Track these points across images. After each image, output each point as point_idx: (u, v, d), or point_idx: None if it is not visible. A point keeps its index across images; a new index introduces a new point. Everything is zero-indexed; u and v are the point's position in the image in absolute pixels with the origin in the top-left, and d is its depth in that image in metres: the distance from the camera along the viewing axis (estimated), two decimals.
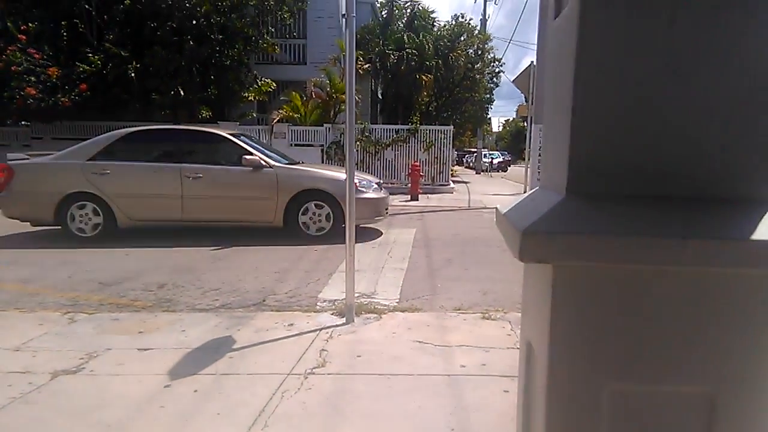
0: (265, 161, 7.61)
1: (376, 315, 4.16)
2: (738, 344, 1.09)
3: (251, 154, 7.62)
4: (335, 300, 4.60)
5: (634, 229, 1.07)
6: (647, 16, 1.10)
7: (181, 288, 5.06)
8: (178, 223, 7.65)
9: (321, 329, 3.79)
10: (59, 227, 7.44)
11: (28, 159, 7.73)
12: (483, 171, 31.45)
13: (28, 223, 7.72)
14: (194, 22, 15.04)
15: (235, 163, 7.56)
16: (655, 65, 1.12)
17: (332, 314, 4.16)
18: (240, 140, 7.87)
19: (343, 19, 3.98)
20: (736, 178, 1.13)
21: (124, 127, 8.49)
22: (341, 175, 7.33)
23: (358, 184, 6.88)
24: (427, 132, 16.45)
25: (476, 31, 26.81)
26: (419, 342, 3.55)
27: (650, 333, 1.11)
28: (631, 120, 1.13)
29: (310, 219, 7.54)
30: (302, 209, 7.52)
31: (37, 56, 14.22)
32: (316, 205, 7.51)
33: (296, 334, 3.67)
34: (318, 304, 4.55)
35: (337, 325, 3.88)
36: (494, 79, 31.64)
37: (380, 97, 24.96)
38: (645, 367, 1.12)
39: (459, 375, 3.04)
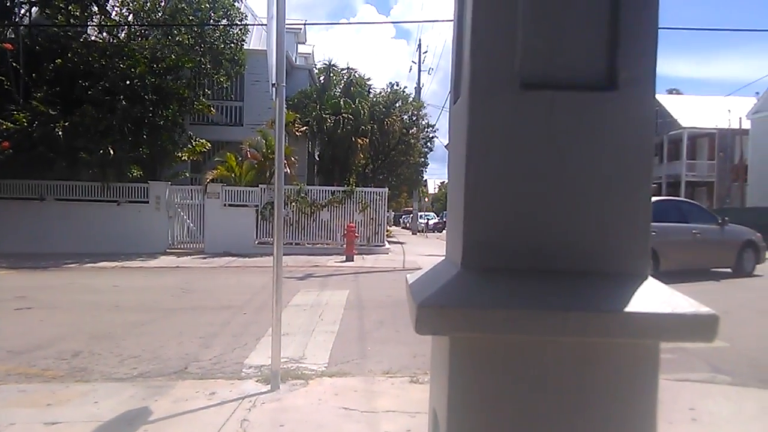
0: (723, 220, 11.52)
1: (303, 381, 4.09)
2: (618, 410, 1.17)
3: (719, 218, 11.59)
4: (262, 366, 4.49)
5: (520, 302, 1.14)
6: (529, 104, 1.21)
7: (97, 356, 4.81)
8: None
9: (244, 398, 3.68)
10: None
11: None
12: (419, 232, 31.97)
13: None
14: (128, 82, 14.92)
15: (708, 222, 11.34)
16: (538, 149, 1.22)
17: (257, 381, 4.05)
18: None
19: (273, 88, 4.09)
20: (612, 253, 1.23)
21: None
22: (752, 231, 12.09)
23: None
24: (363, 193, 16.69)
25: (411, 98, 27.87)
26: (345, 408, 3.50)
27: (539, 400, 1.17)
28: (517, 199, 1.22)
29: (745, 260, 11.67)
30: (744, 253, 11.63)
31: None
32: (752, 250, 11.84)
33: (217, 404, 3.55)
34: (243, 370, 4.43)
35: (261, 393, 3.78)
36: (428, 144, 32.70)
37: (317, 158, 25.26)
38: None
39: None
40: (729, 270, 11.64)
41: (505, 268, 1.22)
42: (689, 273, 10.83)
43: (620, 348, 1.16)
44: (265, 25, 4.41)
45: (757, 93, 34.34)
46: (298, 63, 27.59)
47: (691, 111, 38.06)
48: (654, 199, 7.61)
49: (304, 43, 31.38)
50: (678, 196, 34.94)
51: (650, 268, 1.25)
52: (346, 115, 21.99)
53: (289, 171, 16.92)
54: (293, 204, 15.92)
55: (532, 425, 1.16)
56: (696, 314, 1.12)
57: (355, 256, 14.12)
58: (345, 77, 25.46)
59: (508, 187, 1.22)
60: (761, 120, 32.15)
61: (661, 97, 42.33)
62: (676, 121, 37.99)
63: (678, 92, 49.38)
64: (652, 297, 1.16)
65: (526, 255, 1.22)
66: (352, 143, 22.23)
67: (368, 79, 26.49)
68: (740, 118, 33.53)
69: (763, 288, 10.53)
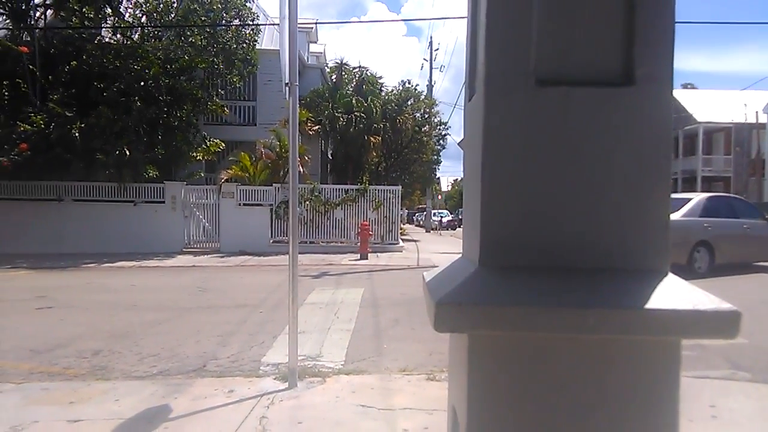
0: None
1: (320, 378, 4.11)
2: (639, 408, 1.17)
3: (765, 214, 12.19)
4: (279, 364, 4.52)
5: (539, 299, 1.14)
6: (545, 101, 1.21)
7: (117, 354, 4.87)
8: None
9: (262, 395, 3.71)
10: None
11: None
12: (432, 229, 31.92)
13: None
14: (142, 83, 15.06)
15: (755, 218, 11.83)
16: (554, 146, 1.22)
17: (275, 379, 4.08)
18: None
19: (287, 87, 4.10)
20: (631, 250, 1.22)
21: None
22: None
23: None
24: (377, 192, 16.69)
25: (423, 96, 27.81)
26: (362, 406, 3.52)
27: (559, 397, 1.17)
28: (534, 197, 1.22)
29: None
30: None
31: None
32: None
33: (236, 401, 3.58)
34: (261, 368, 4.47)
35: (279, 391, 3.81)
36: (441, 141, 32.59)
37: (330, 157, 25.31)
38: None
39: None
40: None
41: (522, 266, 1.22)
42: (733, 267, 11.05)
43: (640, 345, 1.16)
44: (278, 25, 4.43)
45: None
46: (309, 62, 27.65)
47: (706, 106, 37.54)
48: (706, 195, 8.57)
49: (315, 42, 31.44)
50: (695, 191, 34.69)
51: (668, 265, 1.24)
52: (358, 114, 22.00)
53: (302, 170, 16.98)
54: (307, 203, 15.98)
55: (552, 422, 1.16)
56: (717, 311, 1.11)
57: (369, 255, 14.14)
58: (357, 76, 25.47)
59: (525, 185, 1.22)
60: None
61: (676, 92, 41.32)
62: (692, 116, 37.49)
63: (693, 87, 48.76)
64: (673, 293, 1.15)
65: (543, 252, 1.22)
66: (364, 141, 22.24)
67: (380, 78, 26.49)
68: (756, 112, 33.02)
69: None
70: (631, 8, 1.20)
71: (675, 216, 10.62)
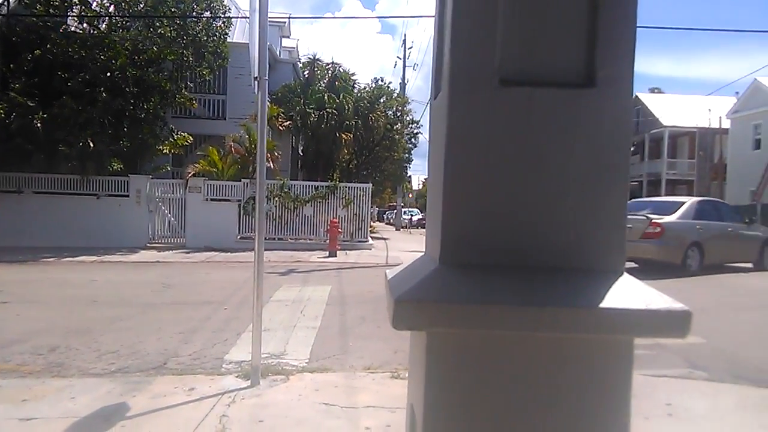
0: (750, 219, 13.45)
1: (283, 376, 4.08)
2: (593, 405, 1.18)
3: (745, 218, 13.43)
4: (242, 362, 4.47)
5: (497, 297, 1.15)
6: (508, 100, 1.21)
7: (74, 351, 4.75)
8: None
9: (224, 393, 3.65)
10: None
11: None
12: (403, 227, 32.02)
13: None
14: (108, 74, 14.70)
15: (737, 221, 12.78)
16: (516, 147, 1.22)
17: (237, 377, 4.03)
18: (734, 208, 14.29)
19: (255, 82, 4.05)
20: (588, 250, 1.24)
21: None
22: None
23: None
24: (347, 189, 16.66)
25: (395, 94, 27.84)
26: (325, 404, 3.50)
27: (515, 395, 1.18)
28: (495, 195, 1.22)
29: (765, 256, 12.88)
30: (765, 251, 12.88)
31: None
32: None
33: (196, 400, 3.52)
34: (223, 366, 4.41)
35: (241, 389, 3.76)
36: (413, 140, 32.67)
37: (301, 153, 25.16)
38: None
39: None
40: (750, 265, 12.96)
41: (482, 264, 1.23)
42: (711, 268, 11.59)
43: (595, 344, 1.17)
44: (248, 17, 4.36)
45: (737, 93, 34.89)
46: (282, 57, 27.42)
47: (672, 110, 38.56)
48: (698, 199, 9.17)
49: (288, 37, 31.20)
50: (659, 194, 35.59)
51: (624, 264, 1.26)
52: (330, 110, 21.91)
53: (272, 166, 16.83)
54: (276, 199, 15.84)
55: (508, 420, 1.17)
56: (669, 310, 1.14)
57: (338, 252, 14.10)
58: (329, 72, 25.34)
59: (487, 184, 1.22)
60: (740, 119, 32.67)
61: (643, 96, 42.83)
62: (658, 120, 38.47)
63: (660, 91, 49.90)
64: (627, 293, 1.17)
65: (504, 251, 1.23)
66: (336, 138, 22.17)
67: (353, 74, 26.41)
68: (720, 118, 34.02)
69: (740, 286, 10.72)
70: (594, 11, 1.21)
71: (671, 218, 11.45)
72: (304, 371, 4.25)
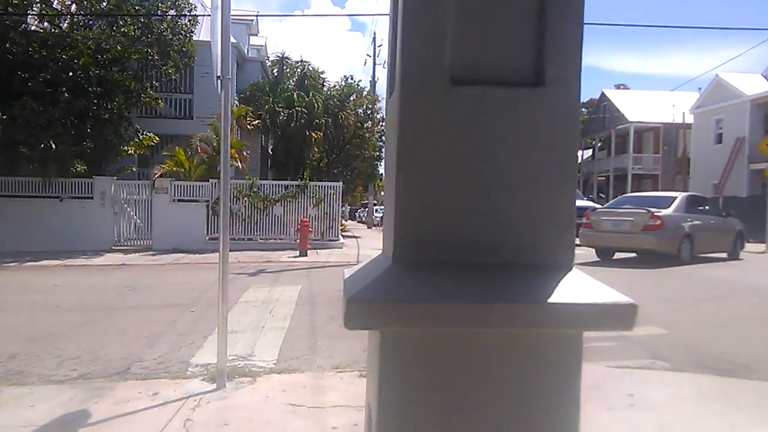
0: (727, 213, 14.70)
1: (250, 378, 4.04)
2: (544, 398, 1.20)
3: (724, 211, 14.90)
4: (208, 364, 4.41)
5: (448, 295, 1.16)
6: (459, 99, 1.22)
7: (34, 358, 4.62)
8: None
9: (188, 397, 3.60)
10: None
11: None
12: (374, 225, 32.02)
13: None
14: (71, 74, 14.31)
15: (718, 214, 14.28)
16: (468, 144, 1.23)
17: (203, 380, 3.98)
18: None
19: (219, 81, 4.00)
20: (539, 246, 1.25)
21: None
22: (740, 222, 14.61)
23: None
24: (317, 188, 16.58)
25: (365, 92, 27.83)
26: (292, 405, 3.48)
27: (468, 391, 1.19)
28: (448, 193, 1.23)
29: (737, 246, 14.22)
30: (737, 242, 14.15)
31: None
32: (740, 239, 14.29)
33: (160, 404, 3.47)
34: (189, 369, 4.35)
35: (206, 392, 3.71)
36: (383, 138, 32.70)
37: (270, 152, 24.97)
38: (466, 429, 1.19)
39: None
40: (725, 255, 14.14)
41: (436, 262, 1.23)
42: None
43: (545, 338, 1.19)
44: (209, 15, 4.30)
45: (700, 88, 35.72)
46: (250, 55, 27.15)
47: (637, 106, 39.38)
48: (686, 194, 10.24)
49: (256, 35, 30.89)
50: (625, 189, 36.37)
51: (574, 259, 1.29)
52: (299, 109, 21.80)
53: (240, 165, 16.67)
54: (245, 199, 15.67)
55: (461, 417, 1.18)
56: (615, 304, 1.16)
57: (308, 251, 14.02)
58: (299, 70, 25.24)
59: (439, 182, 1.23)
60: (703, 115, 33.49)
61: (609, 92, 43.70)
62: (624, 116, 39.25)
63: (625, 87, 50.98)
64: (576, 288, 1.19)
65: (457, 248, 1.24)
66: (306, 137, 22.07)
67: (322, 72, 26.39)
68: (683, 113, 34.86)
69: (706, 277, 11.02)
70: (542, 12, 1.23)
71: (668, 212, 12.39)
72: (272, 372, 4.22)
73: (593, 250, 13.31)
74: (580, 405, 1.21)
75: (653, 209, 12.26)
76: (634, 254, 13.31)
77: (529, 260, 1.25)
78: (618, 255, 13.48)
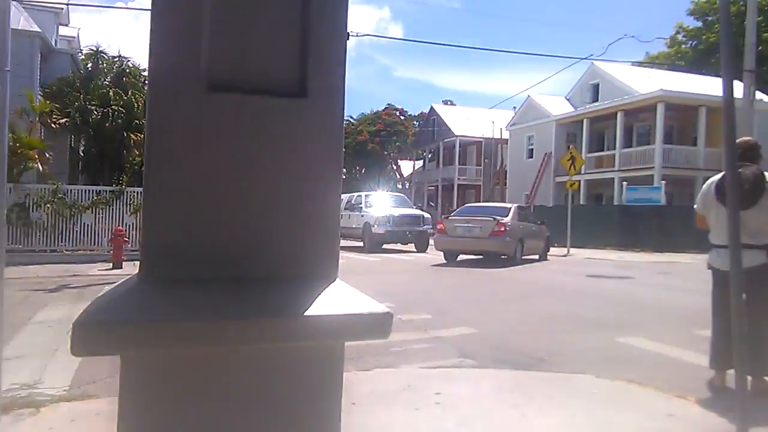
0: (542, 221, 17.41)
1: (33, 409, 3.56)
2: (304, 410, 1.17)
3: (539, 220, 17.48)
4: None
5: (199, 313, 1.08)
6: (217, 107, 1.15)
7: None
8: None
9: None
10: None
11: None
12: None
13: None
14: None
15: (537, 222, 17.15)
16: (226, 154, 1.17)
17: None
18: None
19: None
20: (302, 258, 1.24)
21: None
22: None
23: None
24: (136, 194, 15.32)
25: None
26: None
27: (224, 412, 1.12)
28: (204, 205, 1.16)
29: (545, 250, 17.11)
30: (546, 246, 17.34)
31: None
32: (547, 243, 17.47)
33: None
34: None
35: None
36: None
37: (82, 154, 22.64)
38: None
39: None
40: (537, 257, 16.61)
41: (191, 279, 1.15)
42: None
43: (305, 350, 1.17)
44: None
45: (515, 107, 39.83)
46: (58, 46, 24.52)
47: (462, 120, 42.78)
48: (516, 204, 13.44)
49: (66, 25, 28.02)
50: (453, 198, 39.13)
51: (338, 270, 1.29)
52: (116, 108, 20.05)
53: (41, 168, 14.88)
54: (48, 206, 13.96)
55: None
56: (372, 313, 1.18)
57: (124, 263, 12.86)
58: (116, 66, 23.21)
59: (194, 192, 1.15)
60: (517, 131, 37.27)
61: (438, 107, 46.96)
62: (450, 129, 42.35)
63: (452, 103, 55.09)
64: (335, 299, 1.19)
65: (215, 263, 1.17)
66: (124, 139, 20.36)
67: (144, 70, 24.52)
68: (501, 129, 38.50)
69: (510, 279, 12.16)
70: (306, 24, 1.22)
71: (508, 219, 14.51)
72: (62, 401, 3.77)
73: (442, 253, 15.56)
74: (340, 412, 1.22)
75: (498, 217, 14.40)
76: (467, 257, 15.70)
77: (292, 272, 1.23)
78: (461, 256, 15.71)
